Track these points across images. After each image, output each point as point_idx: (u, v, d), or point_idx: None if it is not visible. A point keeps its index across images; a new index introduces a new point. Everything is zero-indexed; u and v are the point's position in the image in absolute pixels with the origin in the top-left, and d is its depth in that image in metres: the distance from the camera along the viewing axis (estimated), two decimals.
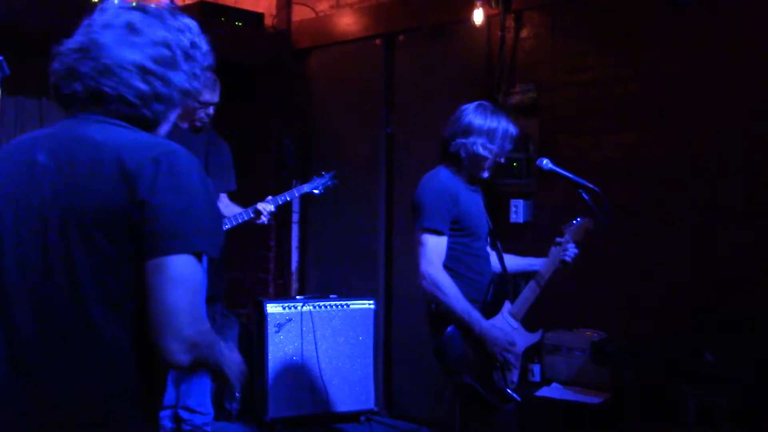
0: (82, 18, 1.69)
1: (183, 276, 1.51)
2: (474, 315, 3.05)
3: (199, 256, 1.55)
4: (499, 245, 3.38)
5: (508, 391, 3.13)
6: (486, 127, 3.18)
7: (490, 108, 3.25)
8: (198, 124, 4.28)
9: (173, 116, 1.82)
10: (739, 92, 3.84)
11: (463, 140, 3.18)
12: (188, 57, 1.72)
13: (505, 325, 3.17)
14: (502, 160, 3.27)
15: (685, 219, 3.98)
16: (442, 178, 3.20)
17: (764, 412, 3.39)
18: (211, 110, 4.26)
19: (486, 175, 3.25)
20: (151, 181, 1.54)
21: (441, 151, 3.29)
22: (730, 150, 3.87)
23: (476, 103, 3.27)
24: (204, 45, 1.77)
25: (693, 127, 4.00)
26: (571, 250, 3.29)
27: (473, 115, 3.20)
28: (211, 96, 4.21)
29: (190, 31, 1.73)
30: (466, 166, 3.21)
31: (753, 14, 3.81)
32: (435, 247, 3.09)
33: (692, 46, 4.00)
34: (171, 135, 4.52)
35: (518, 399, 3.14)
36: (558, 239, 3.32)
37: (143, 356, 1.55)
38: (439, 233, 3.10)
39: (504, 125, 3.20)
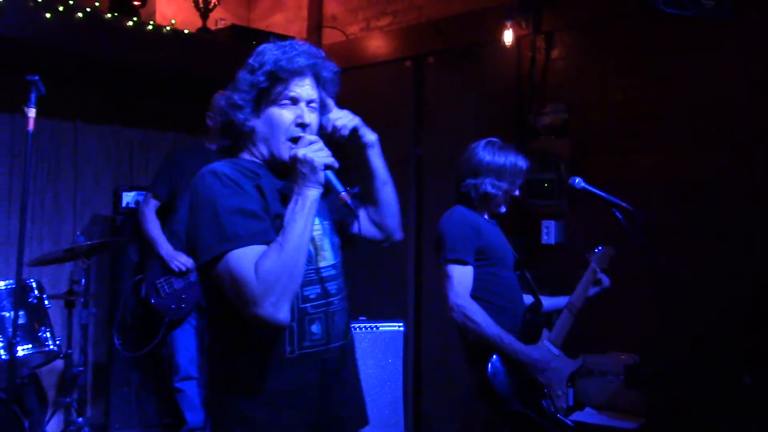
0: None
1: None
2: (508, 339, 3.02)
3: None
4: (528, 275, 3.35)
5: (560, 416, 3.07)
6: (495, 164, 3.18)
7: (498, 145, 3.26)
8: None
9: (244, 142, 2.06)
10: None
11: (473, 180, 3.20)
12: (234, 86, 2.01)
13: (545, 352, 3.14)
14: (517, 193, 3.27)
15: (718, 238, 3.90)
16: (462, 212, 3.23)
17: None
18: None
19: (502, 210, 3.28)
20: None
21: (455, 190, 3.29)
22: (763, 171, 3.79)
23: (485, 140, 3.28)
24: (245, 69, 2.01)
25: (724, 148, 3.93)
26: (606, 282, 3.32)
27: (482, 153, 3.21)
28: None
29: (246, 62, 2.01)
30: (477, 206, 3.22)
31: None
32: (461, 277, 3.08)
33: (722, 66, 3.94)
34: (196, 159, 4.59)
35: (570, 425, 3.09)
36: (590, 267, 3.30)
37: None
38: (464, 263, 3.09)
39: (512, 160, 3.21)
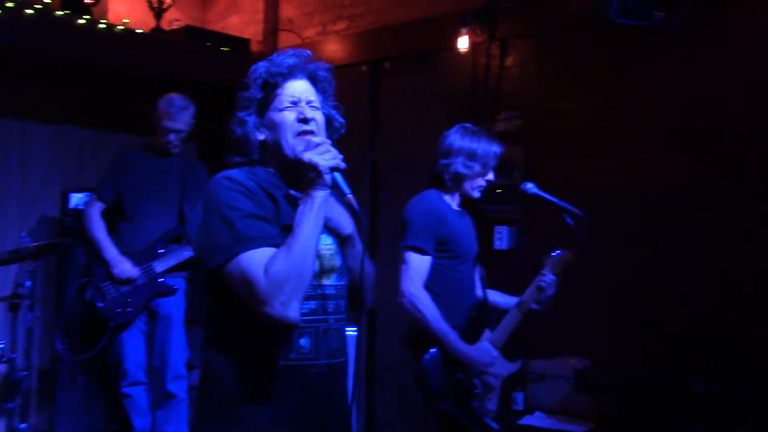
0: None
1: None
2: (451, 336, 3.03)
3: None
4: (482, 272, 3.36)
5: (487, 420, 3.07)
6: (466, 146, 3.21)
7: (471, 129, 3.29)
8: (169, 148, 4.30)
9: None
10: (725, 119, 3.85)
11: (445, 161, 3.22)
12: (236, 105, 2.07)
13: (485, 354, 3.15)
14: (490, 177, 3.26)
15: (671, 246, 3.97)
16: (430, 198, 3.22)
17: None
18: (171, 137, 4.26)
19: (474, 194, 3.26)
20: None
21: (429, 175, 3.30)
22: (716, 176, 3.87)
23: (458, 125, 3.30)
24: (242, 89, 2.05)
25: (676, 155, 4.01)
26: (549, 278, 3.23)
27: (454, 136, 3.24)
28: (173, 123, 4.23)
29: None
30: (450, 186, 3.22)
31: (737, 42, 3.84)
32: (417, 266, 3.08)
33: (676, 73, 4.02)
34: (143, 160, 4.51)
35: (497, 428, 3.09)
36: (542, 271, 3.27)
37: None
38: (422, 252, 3.09)
39: (484, 144, 3.23)
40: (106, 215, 4.34)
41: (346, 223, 2.10)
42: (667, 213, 4.01)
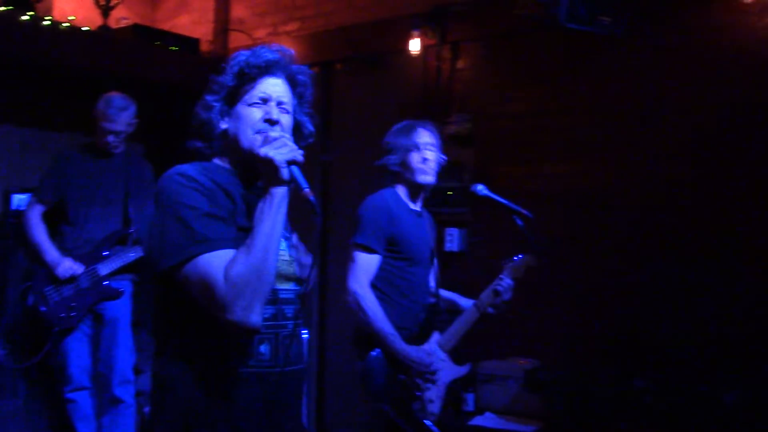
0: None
1: None
2: (392, 336, 3.02)
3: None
4: (436, 273, 3.36)
5: (427, 423, 3.06)
6: (402, 134, 3.25)
7: (410, 124, 3.31)
8: (109, 148, 4.21)
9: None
10: (666, 123, 3.94)
11: (387, 155, 3.25)
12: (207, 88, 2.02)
13: (425, 355, 3.12)
14: (443, 158, 3.24)
15: (616, 248, 4.04)
16: (384, 196, 3.21)
17: None
18: (110, 138, 4.17)
19: (427, 181, 3.22)
20: None
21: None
22: (660, 180, 3.96)
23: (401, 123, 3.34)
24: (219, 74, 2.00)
25: (624, 158, 4.08)
26: (506, 283, 3.23)
27: (394, 132, 3.28)
28: (110, 125, 4.14)
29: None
30: (404, 180, 3.23)
31: (679, 45, 3.94)
32: (365, 264, 3.08)
33: (622, 77, 4.10)
34: (85, 161, 4.37)
35: (436, 431, 3.08)
36: (500, 276, 3.26)
37: None
38: (371, 251, 3.08)
39: (419, 127, 3.25)
40: (48, 217, 4.22)
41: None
42: (612, 215, 4.08)
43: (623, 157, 4.09)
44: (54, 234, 4.20)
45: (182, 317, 1.86)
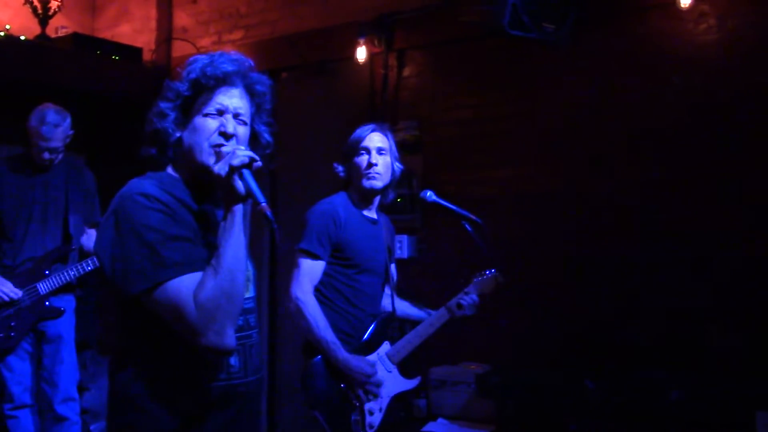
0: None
1: None
2: (333, 345, 2.96)
3: None
4: (393, 281, 3.32)
5: None
6: (353, 137, 3.19)
7: (367, 124, 3.24)
8: (45, 163, 4.06)
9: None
10: (609, 127, 4.02)
11: (336, 164, 3.22)
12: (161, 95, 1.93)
13: (367, 366, 3.04)
14: (373, 161, 3.12)
15: (564, 251, 4.09)
16: (333, 201, 3.15)
17: None
18: (45, 155, 4.03)
19: (367, 185, 3.13)
20: None
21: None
22: (605, 182, 4.03)
23: None
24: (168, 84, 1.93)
25: (570, 162, 4.14)
26: (470, 298, 3.18)
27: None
28: (45, 143, 3.99)
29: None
30: (352, 188, 3.19)
31: (620, 52, 4.02)
32: (308, 270, 3.02)
33: (565, 83, 4.17)
34: (19, 175, 4.17)
35: None
36: (465, 289, 3.21)
37: None
38: (314, 257, 3.03)
39: (370, 131, 3.17)
40: None
41: None
42: (559, 218, 4.13)
43: (568, 160, 4.15)
44: None
45: (149, 336, 1.81)
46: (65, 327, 4.12)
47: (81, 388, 4.32)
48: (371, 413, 3.05)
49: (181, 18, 5.90)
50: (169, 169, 1.96)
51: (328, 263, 3.07)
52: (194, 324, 1.72)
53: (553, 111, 4.22)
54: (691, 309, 3.72)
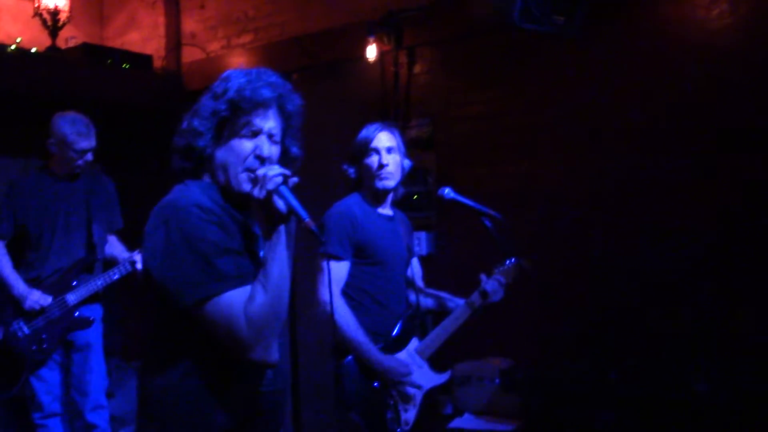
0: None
1: None
2: (367, 345, 2.98)
3: None
4: (419, 275, 3.34)
5: (398, 431, 3.03)
6: (361, 138, 3.19)
7: (373, 124, 3.23)
8: (76, 170, 4.11)
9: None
10: (622, 120, 4.00)
11: (347, 161, 3.22)
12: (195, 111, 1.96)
13: (401, 364, 3.07)
14: (384, 162, 3.13)
15: (582, 244, 4.09)
16: (348, 202, 3.16)
17: (667, 428, 3.48)
18: (89, 156, 4.08)
19: (380, 185, 3.14)
20: None
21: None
22: (620, 175, 4.01)
23: None
24: (208, 95, 1.96)
25: (586, 156, 4.13)
26: (492, 284, 3.18)
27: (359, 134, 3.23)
28: (86, 143, 4.04)
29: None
30: (363, 188, 3.20)
31: (631, 44, 4.00)
32: (334, 273, 3.02)
33: (577, 75, 4.16)
34: (42, 186, 4.19)
35: None
36: (482, 276, 3.21)
37: None
38: (338, 258, 3.04)
39: (379, 130, 3.17)
40: (13, 243, 4.12)
41: None
42: (576, 211, 4.13)
43: (583, 153, 4.14)
44: (19, 262, 4.09)
45: (196, 347, 1.85)
46: (94, 336, 4.16)
47: (108, 395, 4.36)
48: (406, 410, 3.07)
49: (189, 24, 5.91)
50: (205, 178, 1.98)
51: (352, 264, 3.08)
52: (244, 338, 1.76)
53: (565, 104, 4.20)
54: (716, 297, 3.69)
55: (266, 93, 1.93)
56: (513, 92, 4.40)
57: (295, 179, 1.85)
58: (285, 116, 2.01)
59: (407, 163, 3.25)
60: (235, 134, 1.92)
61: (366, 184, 3.19)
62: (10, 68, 4.81)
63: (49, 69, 5.08)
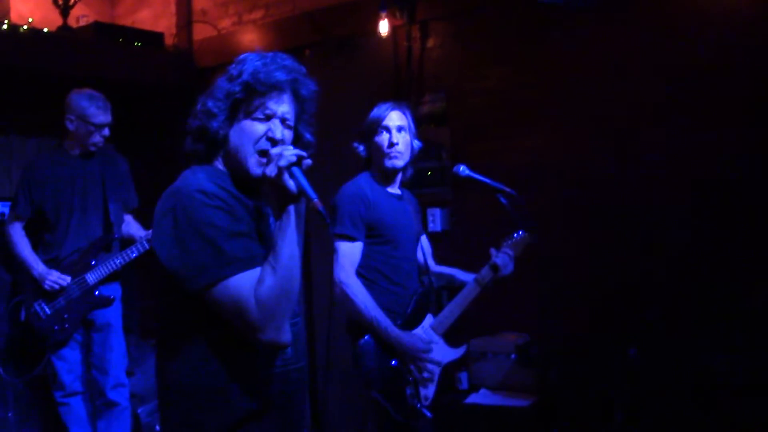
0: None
1: None
2: (384, 323, 3.01)
3: None
4: (430, 253, 3.35)
5: (419, 406, 3.06)
6: (371, 117, 3.21)
7: (383, 103, 3.25)
8: (92, 148, 4.13)
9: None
10: (638, 94, 3.95)
11: (358, 139, 3.24)
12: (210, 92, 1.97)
13: (418, 340, 3.09)
14: (394, 140, 3.14)
15: (599, 218, 4.06)
16: (359, 182, 3.18)
17: (685, 405, 3.48)
18: (106, 131, 4.11)
19: (390, 164, 3.17)
20: None
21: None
22: (635, 148, 3.97)
23: None
24: (223, 76, 1.97)
25: (600, 131, 4.09)
26: (503, 258, 3.19)
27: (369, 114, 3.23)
28: (104, 117, 4.07)
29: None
30: (373, 166, 3.22)
31: (650, 18, 3.94)
32: (347, 253, 3.06)
33: (593, 48, 4.10)
34: (56, 166, 4.23)
35: (429, 416, 3.08)
36: (492, 250, 3.22)
37: None
38: (351, 239, 3.07)
39: (389, 109, 3.19)
40: (30, 224, 4.15)
41: None
42: (591, 185, 4.09)
43: (598, 126, 4.10)
44: (36, 243, 4.13)
45: (209, 329, 1.86)
46: (113, 315, 4.21)
47: (127, 373, 4.41)
48: (425, 385, 3.11)
49: (200, 0, 5.88)
50: (217, 163, 1.99)
51: (365, 244, 3.09)
52: (255, 321, 1.77)
53: (579, 77, 4.15)
54: (737, 272, 3.66)
55: (281, 76, 1.93)
56: (527, 66, 4.35)
57: (308, 161, 1.85)
58: (299, 101, 2.01)
59: (417, 143, 3.27)
60: (249, 116, 1.93)
61: (375, 162, 3.21)
62: (22, 48, 4.80)
63: (60, 48, 5.07)
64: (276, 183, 1.83)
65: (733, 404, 3.29)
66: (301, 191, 1.83)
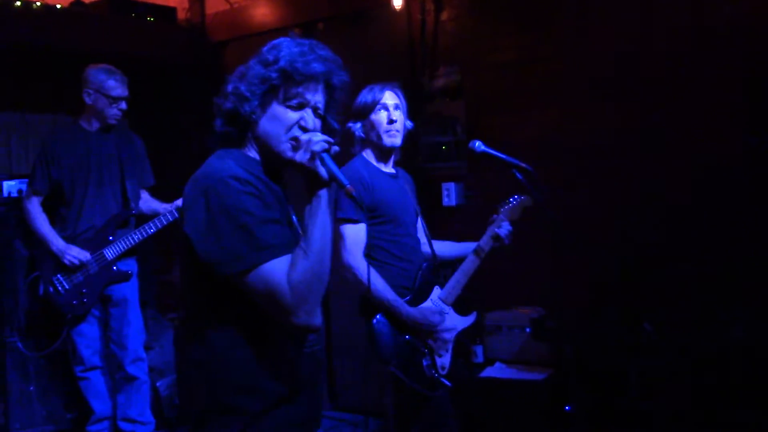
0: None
1: None
2: (396, 302, 3.05)
3: None
4: (425, 229, 3.37)
5: (437, 376, 3.12)
6: (366, 96, 3.21)
7: (374, 84, 3.25)
8: (111, 121, 4.15)
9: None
10: (655, 68, 3.91)
11: (352, 119, 3.22)
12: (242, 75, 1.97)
13: (429, 314, 3.14)
14: (393, 118, 3.16)
15: (615, 193, 4.04)
16: (354, 165, 3.20)
17: (701, 378, 3.48)
18: (123, 105, 4.13)
19: (387, 142, 3.17)
20: None
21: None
22: (652, 121, 3.94)
23: None
24: (257, 59, 1.97)
25: (616, 104, 4.06)
26: (505, 227, 3.25)
27: (360, 95, 3.23)
28: (122, 90, 4.10)
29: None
30: (369, 146, 3.22)
31: None
32: (353, 236, 3.08)
33: (610, 19, 4.06)
34: (73, 142, 4.25)
35: (448, 385, 3.13)
36: (493, 217, 3.28)
37: None
38: (354, 222, 3.08)
39: (383, 89, 3.20)
40: (47, 199, 4.19)
41: None
42: (606, 158, 4.07)
43: (616, 98, 4.07)
44: (53, 218, 4.17)
45: (238, 314, 1.88)
46: (130, 290, 4.25)
47: (145, 348, 4.46)
48: (441, 355, 3.16)
49: None
50: (246, 150, 2.00)
51: (368, 225, 3.11)
52: (288, 305, 1.79)
53: (594, 51, 4.11)
54: (752, 242, 3.64)
55: (318, 68, 1.94)
56: (542, 38, 4.31)
57: (336, 148, 1.88)
58: (330, 90, 2.03)
59: (409, 123, 3.30)
60: (282, 103, 1.94)
61: (372, 141, 3.22)
62: (35, 24, 4.80)
63: (74, 24, 5.07)
64: (307, 169, 1.85)
65: (750, 374, 3.29)
66: (333, 177, 1.85)
